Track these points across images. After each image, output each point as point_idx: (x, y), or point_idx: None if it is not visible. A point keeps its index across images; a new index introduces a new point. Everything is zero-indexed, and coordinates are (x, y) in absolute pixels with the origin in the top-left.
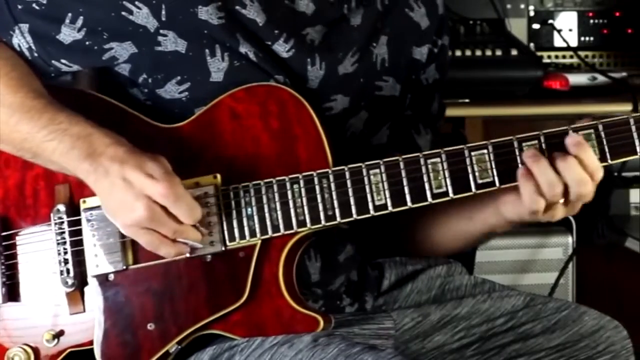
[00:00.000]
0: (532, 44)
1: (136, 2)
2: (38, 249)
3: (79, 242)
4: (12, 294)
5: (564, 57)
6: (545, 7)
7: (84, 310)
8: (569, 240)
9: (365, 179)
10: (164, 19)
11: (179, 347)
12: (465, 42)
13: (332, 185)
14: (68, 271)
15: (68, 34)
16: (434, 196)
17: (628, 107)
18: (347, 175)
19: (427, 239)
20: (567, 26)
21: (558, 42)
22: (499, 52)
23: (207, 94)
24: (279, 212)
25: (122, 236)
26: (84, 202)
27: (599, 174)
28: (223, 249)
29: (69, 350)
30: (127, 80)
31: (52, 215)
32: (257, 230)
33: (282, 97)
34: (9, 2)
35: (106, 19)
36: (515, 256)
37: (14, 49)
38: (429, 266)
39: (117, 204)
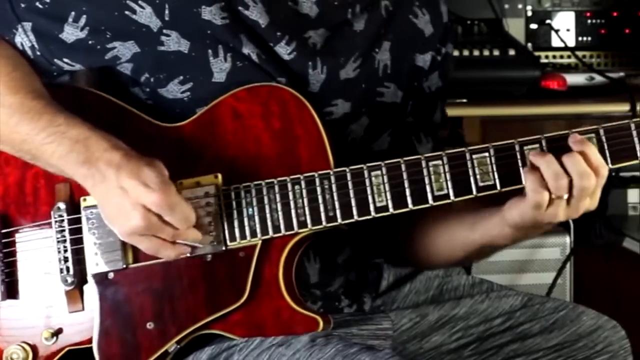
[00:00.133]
0: (529, 44)
1: (139, 2)
2: (38, 246)
3: (79, 241)
4: (11, 292)
5: (561, 57)
6: (542, 7)
7: (83, 309)
8: (567, 240)
9: (367, 180)
10: (167, 18)
11: (178, 346)
12: (463, 42)
13: (334, 186)
14: (68, 269)
15: (71, 33)
16: (435, 198)
17: (626, 107)
18: (349, 176)
19: (426, 248)
20: (564, 26)
21: (556, 42)
22: (496, 52)
23: (209, 94)
24: (280, 213)
25: None
26: (85, 200)
27: (604, 170)
28: (223, 248)
29: (67, 349)
30: (129, 79)
31: (52, 213)
32: (258, 230)
33: (284, 97)
34: (12, 1)
35: (109, 18)
36: (512, 256)
37: (16, 47)
38: None
39: (114, 211)
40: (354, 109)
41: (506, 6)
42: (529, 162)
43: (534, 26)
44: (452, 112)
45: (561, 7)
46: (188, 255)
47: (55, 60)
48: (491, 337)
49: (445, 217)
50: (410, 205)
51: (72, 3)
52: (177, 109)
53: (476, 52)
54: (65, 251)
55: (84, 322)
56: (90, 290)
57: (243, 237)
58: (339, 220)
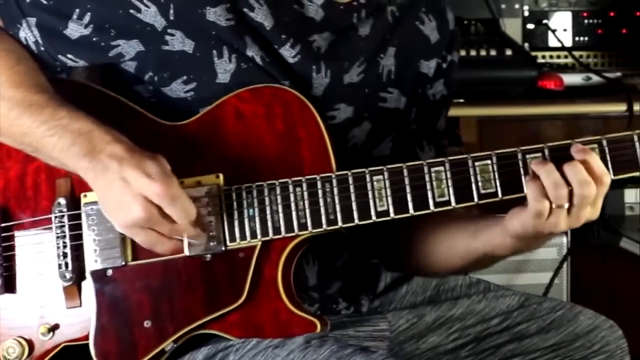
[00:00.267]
0: (526, 44)
1: (144, 1)
2: (37, 241)
3: (79, 237)
4: (9, 286)
5: (558, 57)
6: (539, 7)
7: (81, 305)
8: (564, 240)
9: (369, 184)
10: (172, 18)
11: (175, 345)
12: (460, 42)
13: (335, 190)
14: (66, 265)
15: (75, 30)
16: (436, 204)
17: (622, 107)
18: (350, 180)
19: (426, 255)
20: (561, 26)
21: (552, 42)
22: (493, 52)
23: (212, 95)
24: (281, 214)
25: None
26: (85, 196)
27: (606, 178)
28: (223, 248)
29: (63, 345)
30: (132, 77)
31: (52, 208)
32: (258, 231)
33: (288, 99)
34: None
35: (114, 16)
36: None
37: (20, 42)
38: None
39: (115, 203)
40: (357, 113)
41: (503, 6)
42: (531, 171)
43: (530, 26)
44: (449, 112)
45: (558, 7)
46: (187, 254)
47: (59, 56)
48: (488, 337)
49: (446, 224)
50: (412, 211)
51: (77, 0)
52: (180, 108)
53: (473, 52)
54: (65, 247)
55: (81, 319)
56: (88, 286)
57: (243, 237)
58: (340, 224)
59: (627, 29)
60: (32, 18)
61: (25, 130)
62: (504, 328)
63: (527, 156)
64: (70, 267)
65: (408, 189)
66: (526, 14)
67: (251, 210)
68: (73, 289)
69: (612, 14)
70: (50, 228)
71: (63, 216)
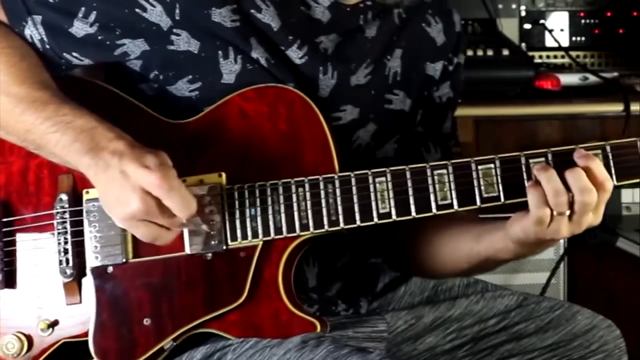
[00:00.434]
0: (523, 44)
1: (150, 0)
2: (38, 237)
3: (80, 233)
4: (9, 281)
5: (555, 57)
6: (536, 7)
7: (81, 302)
8: (561, 240)
9: (371, 186)
10: (177, 18)
11: (174, 343)
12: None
13: (337, 191)
14: (67, 261)
15: (80, 28)
16: (438, 207)
17: (619, 107)
18: (353, 181)
19: (431, 257)
20: (558, 26)
21: (549, 42)
22: (490, 52)
23: (217, 95)
24: (283, 215)
25: (123, 229)
26: (87, 192)
27: (609, 184)
28: (224, 247)
29: (63, 341)
30: (137, 75)
31: (54, 204)
32: (260, 231)
33: (292, 99)
34: None
35: (119, 15)
36: None
37: (25, 39)
38: None
39: (114, 197)
40: (362, 115)
41: (500, 6)
42: (534, 176)
43: (527, 26)
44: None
45: (555, 7)
46: (188, 253)
47: (64, 54)
48: (486, 337)
49: (449, 226)
50: (414, 213)
51: None
52: (185, 107)
53: (470, 52)
54: (66, 243)
55: (81, 315)
56: (89, 283)
57: (244, 237)
58: (342, 225)
59: (624, 29)
60: (38, 16)
61: (29, 127)
62: (501, 328)
63: (530, 161)
64: (71, 264)
65: (410, 192)
66: (523, 14)
67: (253, 210)
68: (73, 285)
69: (609, 14)
70: (52, 224)
71: (65, 212)
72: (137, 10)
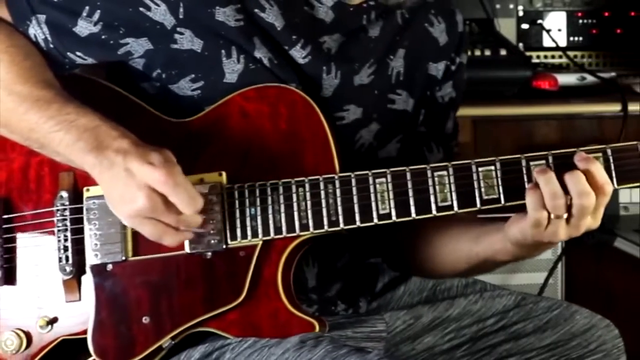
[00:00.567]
0: (521, 44)
1: None
2: (38, 234)
3: (80, 231)
4: (9, 278)
5: (553, 57)
6: (534, 7)
7: (80, 299)
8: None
9: (371, 187)
10: (181, 16)
11: (173, 342)
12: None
13: (338, 191)
14: (67, 258)
15: (84, 27)
16: (438, 209)
17: (617, 107)
18: (353, 182)
19: (431, 258)
20: (556, 26)
21: (547, 42)
22: (488, 52)
23: (219, 94)
24: (283, 215)
25: (123, 227)
26: (87, 190)
27: (609, 188)
28: (224, 247)
29: (61, 338)
30: (139, 73)
31: (55, 201)
32: (260, 230)
33: (293, 99)
34: None
35: (123, 14)
36: None
37: (29, 38)
38: None
39: (119, 195)
40: (365, 115)
41: (497, 6)
42: (534, 179)
43: (525, 26)
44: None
45: (552, 7)
46: (187, 251)
47: (68, 53)
48: (484, 337)
49: (449, 227)
50: (414, 215)
51: None
52: (186, 106)
53: (467, 52)
54: (66, 240)
55: (80, 313)
56: (88, 281)
57: (244, 236)
58: (341, 225)
59: (621, 29)
60: (42, 15)
61: (32, 126)
62: (500, 328)
63: (531, 163)
64: (70, 261)
65: (411, 193)
66: (520, 14)
67: (253, 209)
68: (73, 282)
69: (606, 14)
70: (52, 221)
71: (65, 210)
72: (141, 9)
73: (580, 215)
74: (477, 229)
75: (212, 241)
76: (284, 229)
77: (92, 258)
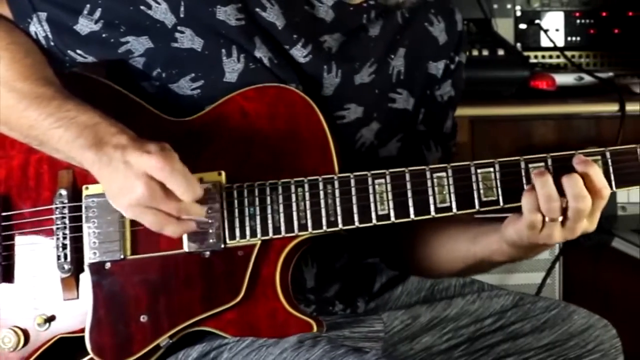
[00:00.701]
0: (518, 44)
1: None
2: (37, 232)
3: (79, 229)
4: (7, 275)
5: (550, 57)
6: (531, 7)
7: (78, 297)
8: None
9: (370, 187)
10: (182, 15)
11: (170, 341)
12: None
13: (337, 192)
14: (65, 256)
15: (85, 25)
16: (437, 210)
17: (614, 107)
18: (352, 182)
19: (429, 257)
20: (553, 26)
21: (545, 42)
22: (485, 52)
23: (219, 93)
24: (282, 214)
25: (122, 226)
26: (87, 188)
27: (606, 192)
28: (222, 246)
29: (59, 336)
30: (139, 72)
31: (54, 199)
32: (258, 230)
33: (292, 99)
34: None
35: (124, 13)
36: None
37: (30, 36)
38: None
39: (118, 188)
40: (366, 114)
41: (495, 6)
42: (532, 181)
43: (523, 26)
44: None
45: (550, 7)
46: (186, 250)
47: (69, 51)
48: (482, 337)
49: (447, 227)
50: (412, 216)
51: None
52: (186, 105)
53: (466, 52)
54: (64, 238)
55: (78, 311)
56: (86, 279)
57: (243, 236)
58: (340, 226)
59: (619, 29)
60: (43, 13)
61: (32, 123)
62: (497, 328)
63: (530, 165)
64: (69, 259)
65: (410, 194)
66: (518, 14)
67: (252, 209)
68: (71, 280)
69: (604, 14)
70: (51, 219)
71: (64, 207)
72: (142, 7)
73: (576, 219)
74: (474, 229)
75: (211, 240)
76: (282, 228)
77: (90, 256)
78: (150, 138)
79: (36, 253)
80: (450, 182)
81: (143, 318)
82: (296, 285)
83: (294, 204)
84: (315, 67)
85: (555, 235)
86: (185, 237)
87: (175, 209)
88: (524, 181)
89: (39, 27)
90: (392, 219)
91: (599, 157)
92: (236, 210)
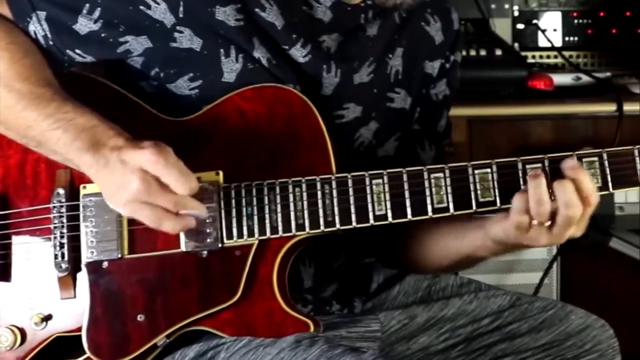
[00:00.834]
0: (516, 44)
1: None
2: (34, 231)
3: (76, 228)
4: (4, 274)
5: (548, 57)
6: (529, 7)
7: (75, 296)
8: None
9: (368, 188)
10: (181, 15)
11: (167, 340)
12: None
13: (334, 192)
14: (63, 255)
15: (84, 25)
16: (434, 211)
17: (612, 107)
18: (350, 182)
19: (422, 254)
20: (551, 26)
21: (542, 42)
22: (483, 52)
23: (217, 93)
24: (279, 214)
25: (120, 225)
26: (84, 187)
27: (594, 198)
28: (220, 246)
29: (56, 335)
30: (138, 72)
31: (51, 198)
32: (256, 230)
33: (290, 99)
34: None
35: (123, 12)
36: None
37: (29, 35)
38: None
39: (115, 186)
40: (365, 113)
41: (493, 6)
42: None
43: (520, 26)
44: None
45: (548, 7)
46: (183, 250)
47: (68, 51)
48: (479, 337)
49: (438, 225)
50: (410, 216)
51: None
52: (184, 105)
53: (463, 52)
54: (62, 237)
55: (75, 310)
56: (84, 278)
57: (240, 235)
58: (337, 226)
59: (617, 29)
60: (42, 12)
61: (30, 123)
62: (495, 328)
63: (527, 166)
64: (66, 258)
65: (407, 194)
66: (516, 14)
67: (249, 209)
68: (68, 279)
69: (602, 14)
70: (48, 218)
71: (61, 206)
72: (141, 7)
73: (564, 225)
74: (462, 226)
75: (208, 240)
76: (280, 228)
77: (87, 255)
78: (149, 138)
79: (33, 252)
80: (448, 182)
81: (140, 317)
82: (293, 285)
83: (291, 204)
84: (315, 66)
85: (541, 238)
86: (182, 237)
87: (172, 202)
88: (521, 182)
89: (38, 27)
90: (390, 219)
91: (595, 159)
92: (234, 210)
